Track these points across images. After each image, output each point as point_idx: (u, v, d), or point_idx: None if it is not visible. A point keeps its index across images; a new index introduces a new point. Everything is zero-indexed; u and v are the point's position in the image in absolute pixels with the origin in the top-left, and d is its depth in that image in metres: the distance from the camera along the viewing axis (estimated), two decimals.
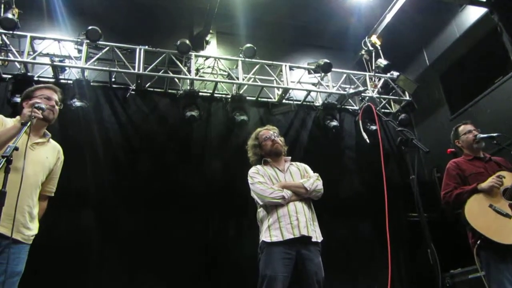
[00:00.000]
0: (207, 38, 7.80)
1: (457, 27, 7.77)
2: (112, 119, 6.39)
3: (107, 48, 6.42)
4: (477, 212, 3.11)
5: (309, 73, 7.52)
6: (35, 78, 6.07)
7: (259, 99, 7.36)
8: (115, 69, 6.45)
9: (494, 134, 3.48)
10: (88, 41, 6.20)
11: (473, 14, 7.34)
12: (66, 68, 6.36)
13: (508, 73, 6.75)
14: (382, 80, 7.94)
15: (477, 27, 7.27)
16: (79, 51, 6.35)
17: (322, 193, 3.71)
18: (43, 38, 6.27)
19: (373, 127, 6.64)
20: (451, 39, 7.87)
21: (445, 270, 5.61)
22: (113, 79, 6.60)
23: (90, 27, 6.06)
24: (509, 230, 3.01)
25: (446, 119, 7.91)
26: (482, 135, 3.53)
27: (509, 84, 6.70)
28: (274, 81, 7.28)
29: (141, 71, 6.43)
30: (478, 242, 3.11)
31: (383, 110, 7.92)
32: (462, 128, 3.66)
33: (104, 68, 6.40)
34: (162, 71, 6.71)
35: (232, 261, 5.87)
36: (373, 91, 7.78)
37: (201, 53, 7.41)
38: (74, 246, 5.31)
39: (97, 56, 6.37)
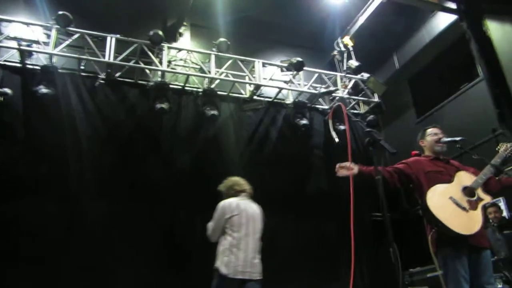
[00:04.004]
0: (181, 30, 7.73)
1: (427, 33, 7.96)
2: (80, 108, 6.23)
3: (78, 34, 6.26)
4: (437, 201, 3.25)
5: (282, 70, 7.55)
6: (1, 62, 5.89)
7: (230, 94, 7.34)
8: (85, 57, 6.29)
9: (458, 138, 3.58)
10: (57, 26, 6.02)
11: (443, 20, 7.54)
12: (34, 53, 6.17)
13: (474, 80, 6.97)
14: (353, 81, 8.05)
15: (447, 34, 7.48)
16: (48, 36, 6.17)
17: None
18: (11, 21, 6.05)
19: (342, 127, 6.73)
20: (421, 44, 8.07)
21: (405, 268, 5.76)
22: (82, 67, 6.44)
23: (60, 12, 5.89)
24: (464, 221, 3.16)
25: (412, 122, 8.12)
26: (446, 139, 3.63)
27: (474, 90, 6.93)
28: (247, 77, 7.27)
29: (111, 60, 6.30)
30: (433, 230, 3.22)
31: (352, 110, 8.03)
32: (430, 130, 3.77)
33: (73, 55, 6.23)
34: (133, 61, 6.60)
35: (199, 254, 5.84)
36: (343, 92, 7.88)
37: (174, 45, 7.33)
38: (37, 237, 5.19)
39: (66, 43, 6.19)
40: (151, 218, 5.89)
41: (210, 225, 4.28)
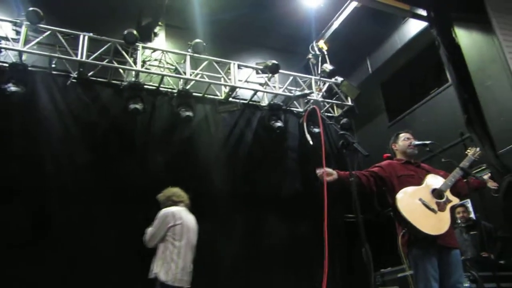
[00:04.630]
0: (156, 30, 7.64)
1: (399, 39, 8.14)
2: (50, 107, 6.08)
3: (49, 32, 6.12)
4: (407, 203, 3.35)
5: (257, 73, 7.58)
6: None
7: (205, 95, 7.32)
8: (56, 55, 6.15)
9: (427, 142, 3.69)
10: (28, 22, 5.88)
11: (414, 27, 7.73)
12: (2, 49, 6.00)
13: (443, 85, 7.16)
14: (327, 84, 8.16)
15: (417, 40, 7.66)
16: (18, 32, 6.02)
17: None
18: None
19: (316, 130, 6.81)
20: (393, 49, 8.24)
21: (377, 269, 5.87)
22: (53, 65, 6.30)
23: (31, 8, 5.75)
24: (433, 222, 3.28)
25: (384, 125, 8.27)
26: (416, 142, 3.73)
27: (443, 95, 7.12)
28: (222, 78, 7.26)
29: (84, 59, 6.19)
30: (404, 231, 3.31)
31: (326, 113, 8.13)
32: (403, 135, 3.87)
33: (44, 53, 6.10)
34: (107, 60, 6.49)
35: None
36: (317, 95, 7.97)
37: (149, 45, 7.25)
38: (4, 239, 5.04)
39: (37, 40, 6.05)
40: (125, 219, 5.80)
41: (150, 231, 4.32)
